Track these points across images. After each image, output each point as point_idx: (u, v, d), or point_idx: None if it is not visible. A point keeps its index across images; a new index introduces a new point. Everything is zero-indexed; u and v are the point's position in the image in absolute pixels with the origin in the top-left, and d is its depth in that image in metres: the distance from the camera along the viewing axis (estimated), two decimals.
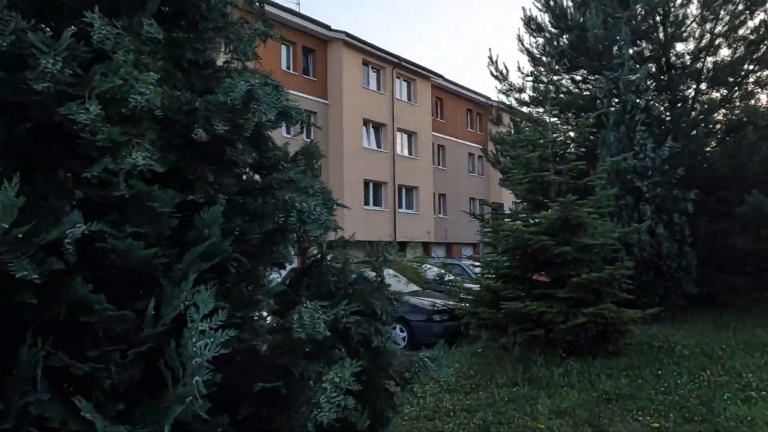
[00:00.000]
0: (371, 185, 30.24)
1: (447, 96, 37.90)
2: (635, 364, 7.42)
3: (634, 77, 11.83)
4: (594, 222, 8.21)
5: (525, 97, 15.46)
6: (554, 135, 9.16)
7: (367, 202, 29.70)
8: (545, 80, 11.44)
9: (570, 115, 14.93)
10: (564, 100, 14.50)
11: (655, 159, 11.55)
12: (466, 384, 6.86)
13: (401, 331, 12.04)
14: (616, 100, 12.19)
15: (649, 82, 13.31)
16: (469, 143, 39.56)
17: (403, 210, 32.17)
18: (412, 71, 33.16)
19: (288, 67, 27.28)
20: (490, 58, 16.29)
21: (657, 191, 11.56)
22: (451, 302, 12.17)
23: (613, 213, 10.50)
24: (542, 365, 7.33)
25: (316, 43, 28.67)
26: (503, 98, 16.21)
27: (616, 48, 12.44)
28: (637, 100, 11.94)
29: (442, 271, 13.76)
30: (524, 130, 9.06)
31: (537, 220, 8.44)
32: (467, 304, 9.14)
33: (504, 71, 16.17)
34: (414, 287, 13.97)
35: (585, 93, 15.41)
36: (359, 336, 2.93)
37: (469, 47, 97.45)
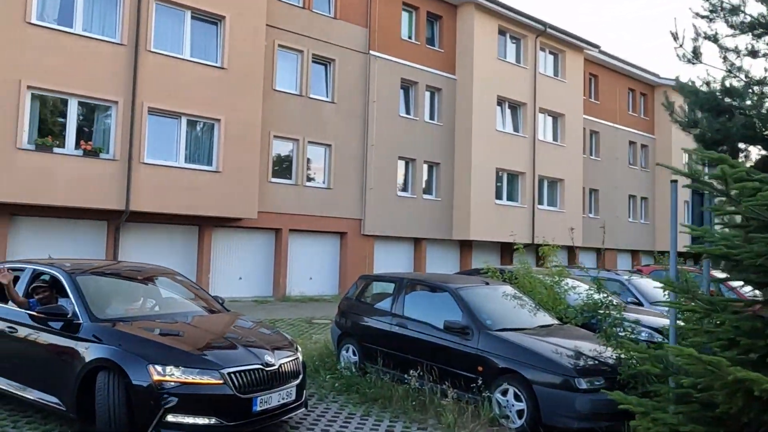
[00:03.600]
0: (505, 176, 25.45)
1: (603, 72, 31.43)
2: None
3: None
4: None
5: (745, 18, 9.49)
6: None
7: (499, 196, 25.00)
8: None
9: None
10: None
11: None
12: None
13: (516, 399, 6.72)
14: None
15: None
16: (631, 129, 32.68)
17: (543, 206, 26.72)
18: (560, 41, 27.51)
19: (409, 36, 23.43)
20: None
21: None
22: (608, 352, 6.72)
23: None
24: None
25: (443, 8, 24.39)
26: (702, 26, 10.33)
27: None
28: None
29: (598, 295, 7.75)
30: None
31: None
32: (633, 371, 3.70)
33: None
34: (548, 319, 8.50)
35: None
36: None
37: (636, 14, 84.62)
